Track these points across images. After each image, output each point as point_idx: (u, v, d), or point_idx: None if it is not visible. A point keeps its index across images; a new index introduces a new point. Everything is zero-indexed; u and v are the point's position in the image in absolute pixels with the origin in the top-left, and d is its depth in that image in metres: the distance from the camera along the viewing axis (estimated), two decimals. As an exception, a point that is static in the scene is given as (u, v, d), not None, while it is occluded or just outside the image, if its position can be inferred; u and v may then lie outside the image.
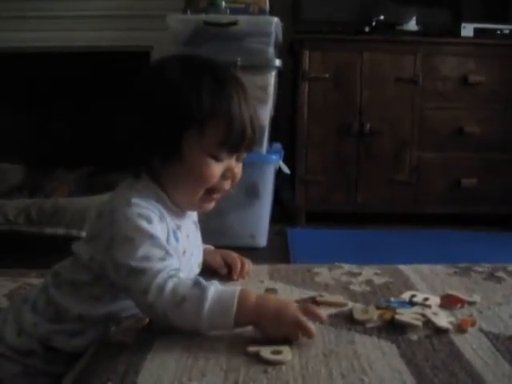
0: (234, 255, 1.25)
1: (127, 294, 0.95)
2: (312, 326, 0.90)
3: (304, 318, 0.90)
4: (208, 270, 1.20)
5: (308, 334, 0.89)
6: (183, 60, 1.06)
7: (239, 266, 1.23)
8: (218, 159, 1.01)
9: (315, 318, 0.94)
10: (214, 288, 0.91)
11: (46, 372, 1.03)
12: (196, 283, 0.92)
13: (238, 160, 1.05)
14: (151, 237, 0.95)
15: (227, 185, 1.05)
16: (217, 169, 1.01)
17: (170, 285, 0.91)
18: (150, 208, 0.98)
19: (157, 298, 0.90)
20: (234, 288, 0.92)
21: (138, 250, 0.93)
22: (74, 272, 1.03)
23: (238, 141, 1.01)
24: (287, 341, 0.89)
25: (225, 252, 1.26)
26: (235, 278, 1.22)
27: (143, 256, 0.93)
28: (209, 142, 0.99)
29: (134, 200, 0.98)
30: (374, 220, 2.98)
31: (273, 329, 0.89)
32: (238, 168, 1.05)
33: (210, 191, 1.04)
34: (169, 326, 0.92)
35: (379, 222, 2.96)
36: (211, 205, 1.08)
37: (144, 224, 0.95)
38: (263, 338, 0.90)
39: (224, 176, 1.03)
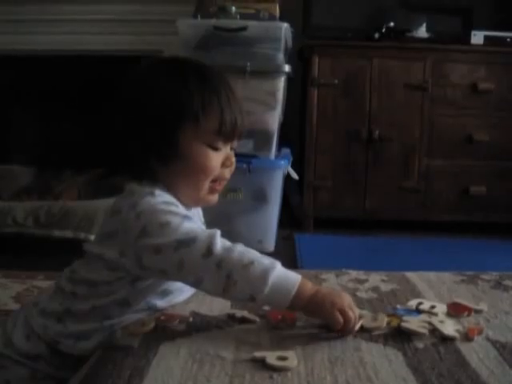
0: None
1: (179, 271, 0.94)
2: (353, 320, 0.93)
3: (349, 313, 0.93)
4: None
5: (348, 326, 0.93)
6: (170, 62, 1.10)
7: None
8: (216, 149, 1.05)
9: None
10: (280, 265, 0.94)
11: (52, 376, 1.03)
12: (265, 256, 0.95)
13: (231, 149, 1.09)
14: (186, 216, 0.98)
15: (228, 173, 1.09)
16: (217, 158, 1.05)
17: (238, 247, 0.94)
18: (173, 199, 1.02)
19: (226, 256, 0.92)
20: (297, 274, 0.95)
21: (179, 227, 0.95)
22: (93, 272, 1.03)
23: (231, 128, 1.04)
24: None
25: None
26: None
27: (187, 231, 0.95)
28: (205, 134, 1.03)
29: (157, 191, 1.01)
30: (382, 227, 2.97)
31: (324, 314, 0.94)
32: (233, 156, 1.10)
33: (213, 182, 1.07)
34: (225, 291, 0.93)
35: (387, 229, 2.95)
36: (215, 197, 1.11)
37: (174, 208, 0.99)
38: (269, 344, 0.91)
39: (224, 164, 1.07)
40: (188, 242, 0.93)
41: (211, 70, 1.09)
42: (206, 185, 1.06)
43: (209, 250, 0.92)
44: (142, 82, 1.06)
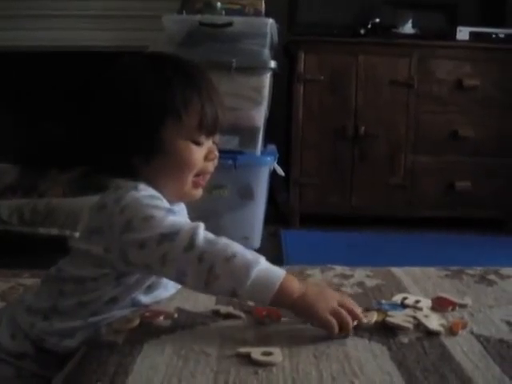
0: None
1: (162, 266, 0.93)
2: (350, 320, 0.92)
3: (343, 314, 0.92)
4: None
5: (346, 327, 0.91)
6: (151, 58, 1.10)
7: None
8: (198, 143, 1.05)
9: (351, 315, 0.93)
10: (265, 260, 0.93)
11: (38, 375, 1.02)
12: (249, 250, 0.94)
13: (213, 143, 1.10)
14: (170, 210, 0.98)
15: (211, 167, 1.09)
16: (199, 152, 1.05)
17: (222, 240, 0.93)
18: (156, 193, 1.02)
19: (208, 249, 0.91)
20: (282, 270, 0.94)
21: (162, 221, 0.94)
22: (79, 269, 1.02)
23: (213, 123, 1.05)
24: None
25: None
26: None
27: (170, 225, 0.94)
28: (187, 129, 1.03)
29: (141, 186, 1.01)
30: (368, 223, 2.98)
31: (314, 314, 0.92)
32: (215, 149, 1.10)
33: (197, 176, 1.07)
34: (207, 284, 0.92)
35: (373, 225, 2.96)
36: (199, 192, 1.10)
37: (158, 202, 0.98)
38: (254, 340, 0.91)
39: (207, 158, 1.07)
40: (171, 235, 0.92)
41: (191, 64, 1.09)
42: (190, 179, 1.06)
43: (191, 242, 0.91)
44: (123, 78, 1.06)
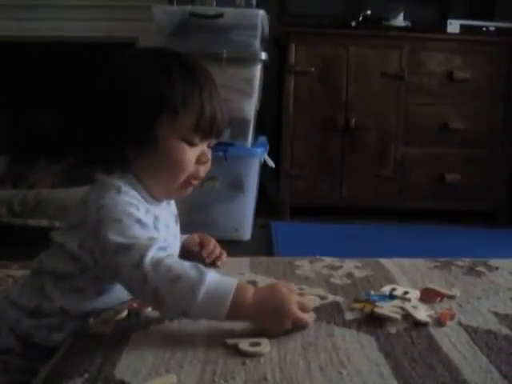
0: (210, 238, 1.28)
1: (117, 277, 0.94)
2: (307, 319, 0.94)
3: (302, 315, 0.93)
4: (184, 250, 1.23)
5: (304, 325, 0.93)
6: (154, 52, 1.08)
7: (211, 246, 1.27)
8: (191, 144, 1.03)
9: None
10: (212, 274, 0.90)
11: (25, 369, 1.01)
12: (194, 265, 0.91)
13: (208, 147, 1.08)
14: (139, 221, 0.96)
15: (203, 171, 1.07)
16: (191, 153, 1.03)
17: (167, 260, 0.90)
18: (138, 198, 1.01)
19: (152, 271, 0.89)
20: (232, 280, 0.91)
21: (126, 229, 0.94)
22: (57, 263, 1.02)
23: (209, 125, 1.03)
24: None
25: (202, 234, 1.30)
26: (205, 255, 1.26)
27: (131, 236, 0.93)
28: (182, 127, 1.01)
29: (125, 188, 1.00)
30: (359, 214, 2.98)
31: (271, 326, 0.91)
32: (209, 154, 1.08)
33: (189, 178, 1.06)
34: (157, 306, 0.93)
35: (363, 217, 2.97)
36: (189, 190, 1.10)
37: (132, 209, 0.97)
38: (242, 330, 0.90)
39: (199, 161, 1.05)
40: (126, 248, 0.91)
41: (195, 62, 1.07)
42: (179, 180, 1.05)
43: (139, 261, 0.90)
44: (125, 69, 1.05)
